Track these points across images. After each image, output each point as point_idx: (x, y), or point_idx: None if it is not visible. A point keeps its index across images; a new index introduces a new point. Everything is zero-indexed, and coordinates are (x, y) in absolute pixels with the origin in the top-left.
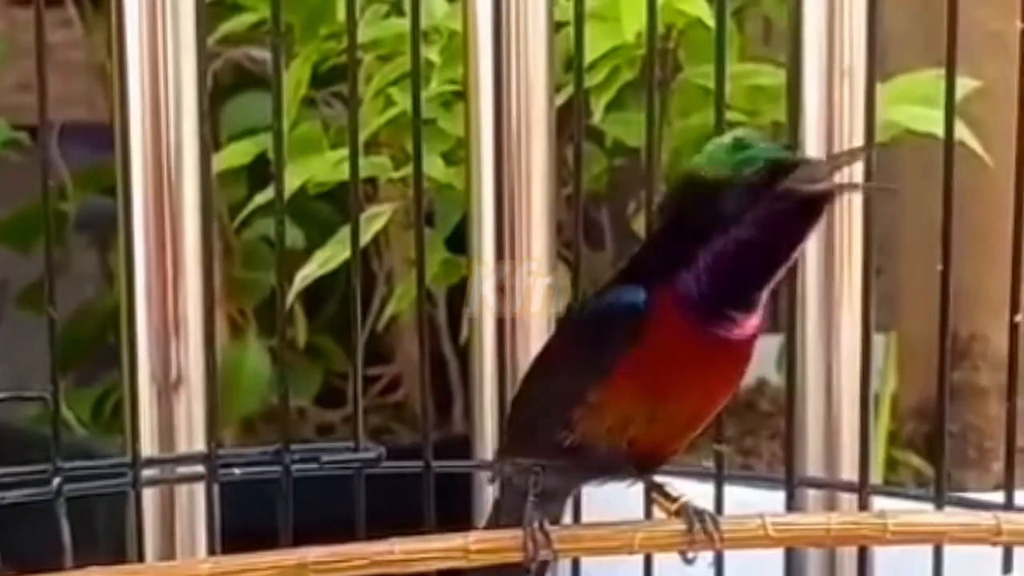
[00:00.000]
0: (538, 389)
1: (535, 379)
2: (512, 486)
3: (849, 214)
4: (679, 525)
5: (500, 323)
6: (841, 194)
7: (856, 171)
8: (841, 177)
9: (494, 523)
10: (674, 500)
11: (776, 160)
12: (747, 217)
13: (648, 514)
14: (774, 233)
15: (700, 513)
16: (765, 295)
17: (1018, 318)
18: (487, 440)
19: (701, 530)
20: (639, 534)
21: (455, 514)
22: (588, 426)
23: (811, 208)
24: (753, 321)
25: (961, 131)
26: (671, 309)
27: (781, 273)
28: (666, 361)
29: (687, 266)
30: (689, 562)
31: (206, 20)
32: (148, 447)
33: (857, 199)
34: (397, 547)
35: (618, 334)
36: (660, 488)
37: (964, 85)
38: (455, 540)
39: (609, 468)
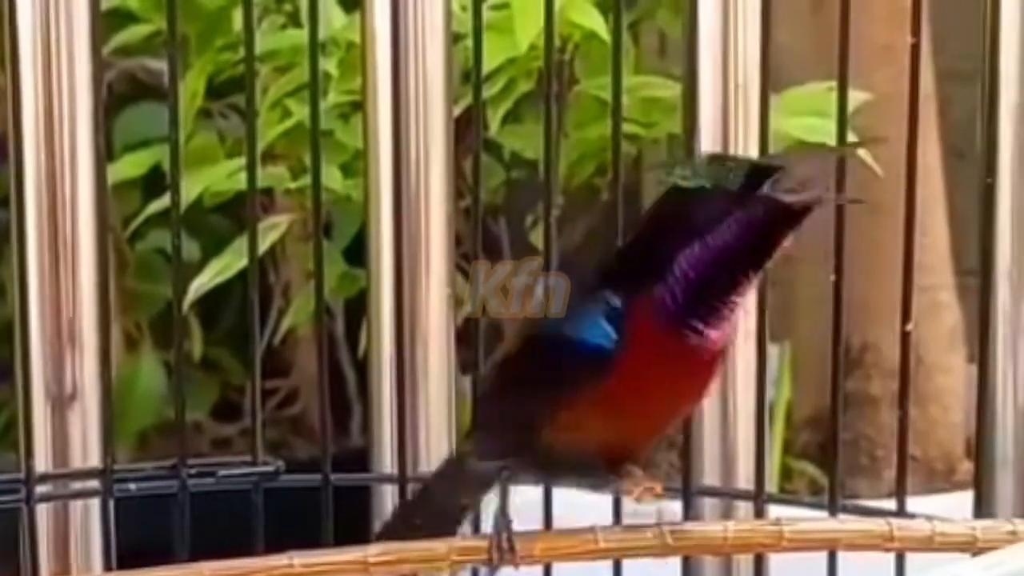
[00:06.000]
0: (511, 393)
1: (507, 382)
2: (474, 481)
3: None
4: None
5: (399, 335)
6: (819, 205)
7: None
8: (817, 185)
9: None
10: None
11: (754, 166)
12: (725, 225)
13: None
14: (750, 241)
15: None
16: (739, 304)
17: (909, 327)
18: (385, 453)
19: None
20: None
21: (354, 527)
22: (560, 434)
23: (789, 217)
24: (726, 330)
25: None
26: (647, 322)
27: (754, 281)
28: (641, 374)
29: (663, 277)
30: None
31: (101, 30)
32: (42, 463)
33: None
34: (296, 560)
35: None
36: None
37: (855, 97)
38: (354, 553)
39: (579, 469)
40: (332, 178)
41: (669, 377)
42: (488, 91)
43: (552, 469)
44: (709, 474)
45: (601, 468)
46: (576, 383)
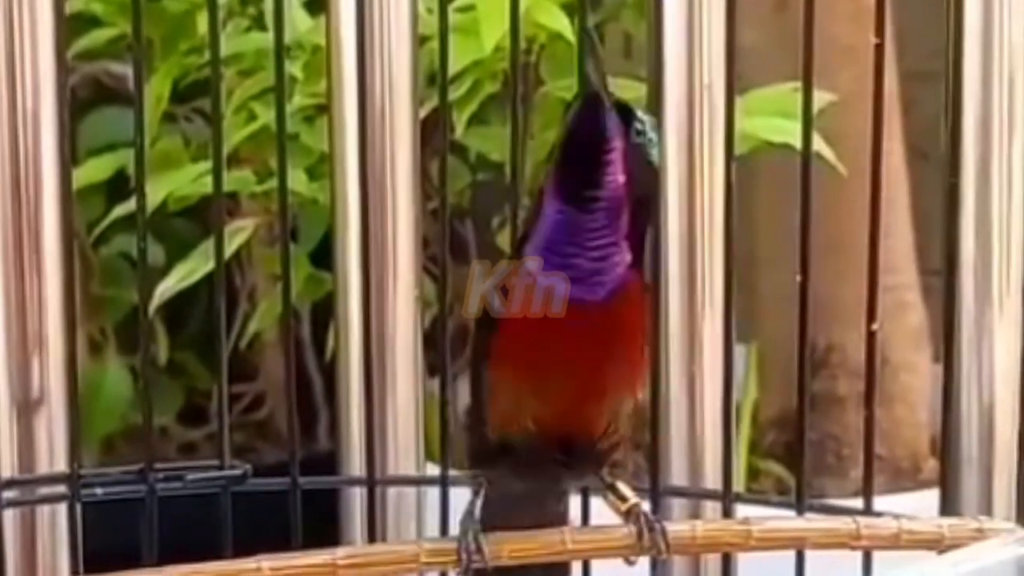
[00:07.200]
0: (471, 393)
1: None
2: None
3: (709, 226)
4: (621, 531)
5: (366, 338)
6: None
7: (716, 184)
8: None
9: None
10: (625, 500)
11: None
12: (567, 149)
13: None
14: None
15: (650, 521)
16: (625, 248)
17: (874, 327)
18: (353, 456)
19: (649, 539)
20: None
21: (322, 530)
22: (493, 413)
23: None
24: (611, 278)
25: (817, 143)
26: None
27: (642, 238)
28: (522, 331)
29: (536, 228)
30: (631, 564)
31: (65, 34)
32: (7, 468)
33: (718, 213)
34: (264, 564)
35: (488, 310)
36: (613, 487)
37: (820, 98)
38: (323, 556)
39: (535, 459)
40: (298, 181)
41: (547, 333)
42: (454, 93)
43: (512, 465)
44: (677, 474)
45: (556, 455)
46: (483, 344)
